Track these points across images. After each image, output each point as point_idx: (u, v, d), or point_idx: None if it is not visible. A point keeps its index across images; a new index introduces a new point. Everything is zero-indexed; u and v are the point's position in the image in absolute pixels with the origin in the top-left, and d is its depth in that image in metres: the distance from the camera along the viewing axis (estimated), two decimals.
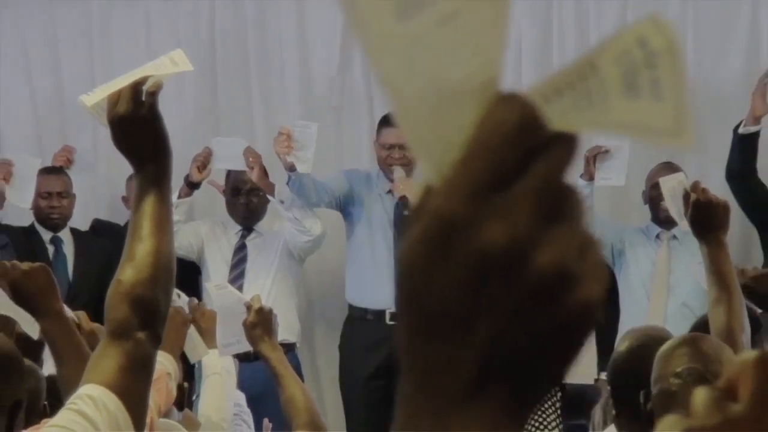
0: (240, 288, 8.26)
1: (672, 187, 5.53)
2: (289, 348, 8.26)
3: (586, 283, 0.94)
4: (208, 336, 5.17)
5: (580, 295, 0.93)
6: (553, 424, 4.18)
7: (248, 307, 5.03)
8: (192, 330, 4.86)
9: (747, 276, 5.73)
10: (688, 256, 8.01)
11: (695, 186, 4.75)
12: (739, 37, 8.98)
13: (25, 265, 4.37)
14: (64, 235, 8.48)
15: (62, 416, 3.20)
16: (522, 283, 0.93)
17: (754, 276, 5.78)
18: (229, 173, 8.47)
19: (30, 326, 4.28)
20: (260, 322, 4.99)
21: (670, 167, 8.22)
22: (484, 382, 0.93)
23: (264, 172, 8.25)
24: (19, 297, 4.30)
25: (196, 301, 5.56)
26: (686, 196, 4.71)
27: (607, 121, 0.96)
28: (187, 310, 5.87)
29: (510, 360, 0.93)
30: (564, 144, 0.95)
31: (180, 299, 5.94)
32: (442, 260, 0.93)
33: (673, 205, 5.44)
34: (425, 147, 0.96)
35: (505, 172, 0.93)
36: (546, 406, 4.06)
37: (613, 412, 4.35)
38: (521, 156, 0.93)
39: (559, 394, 4.32)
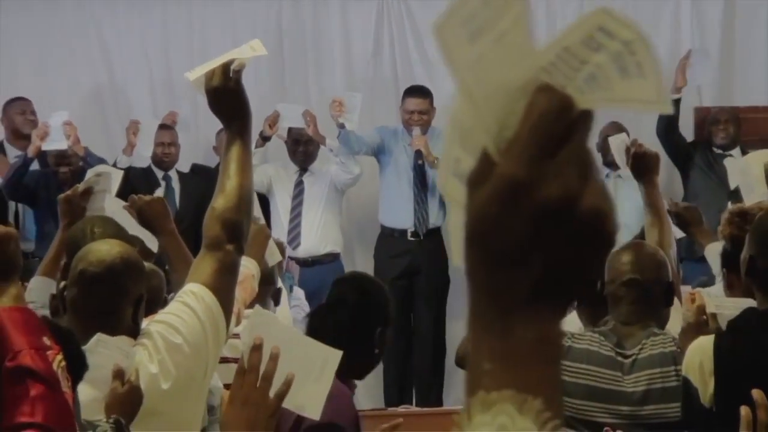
0: (299, 214, 8.33)
1: (617, 144, 5.53)
2: (335, 257, 8.30)
3: (613, 215, 0.97)
4: None
5: (611, 225, 0.97)
6: None
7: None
8: (270, 240, 4.84)
9: (680, 207, 5.74)
10: (629, 191, 8.00)
11: (633, 142, 4.76)
12: (665, 27, 8.93)
13: (147, 197, 4.38)
14: (172, 174, 8.50)
15: (172, 306, 3.22)
16: (573, 224, 0.95)
17: (685, 206, 5.80)
18: (290, 129, 8.48)
19: (152, 242, 4.29)
20: None
21: (615, 125, 8.22)
22: (540, 293, 0.96)
23: (317, 128, 8.32)
24: (143, 220, 4.31)
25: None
26: (627, 150, 4.72)
27: (613, 98, 0.98)
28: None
29: (560, 276, 0.96)
30: (588, 118, 0.97)
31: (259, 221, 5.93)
32: (509, 212, 0.95)
33: (619, 157, 5.43)
34: (488, 131, 0.97)
35: (553, 143, 0.95)
36: None
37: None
38: (562, 130, 0.95)
39: None
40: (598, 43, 0.96)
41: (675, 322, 3.91)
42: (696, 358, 3.32)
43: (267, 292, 4.79)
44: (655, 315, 3.77)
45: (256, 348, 2.56)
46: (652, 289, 3.74)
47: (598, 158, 8.67)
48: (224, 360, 3.99)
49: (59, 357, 2.17)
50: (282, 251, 5.77)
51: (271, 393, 2.56)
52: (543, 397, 0.94)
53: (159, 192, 7.67)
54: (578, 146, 0.96)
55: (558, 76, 0.97)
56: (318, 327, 3.78)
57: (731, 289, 3.92)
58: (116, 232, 4.00)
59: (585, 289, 0.98)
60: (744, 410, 2.27)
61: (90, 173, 5.06)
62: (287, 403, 2.63)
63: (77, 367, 2.59)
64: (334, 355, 3.07)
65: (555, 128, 0.95)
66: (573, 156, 0.95)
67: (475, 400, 0.94)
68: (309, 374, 3.03)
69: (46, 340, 2.17)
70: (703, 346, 3.32)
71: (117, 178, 5.13)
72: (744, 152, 8.32)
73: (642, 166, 4.57)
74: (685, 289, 4.96)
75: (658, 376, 3.57)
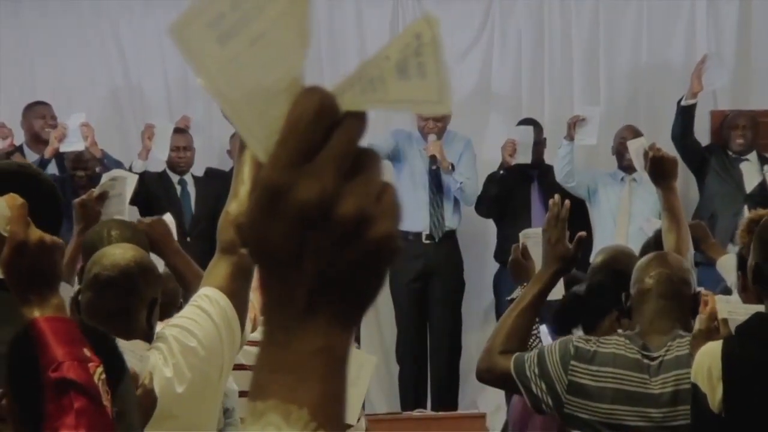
0: None
1: (636, 148, 5.51)
2: None
3: (382, 221, 0.93)
4: None
5: (377, 232, 0.93)
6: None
7: None
8: None
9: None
10: (644, 194, 8.02)
11: (652, 146, 4.72)
12: (680, 32, 8.92)
13: (148, 219, 4.36)
14: (188, 178, 8.50)
15: (186, 310, 3.22)
16: (332, 227, 0.92)
17: (690, 225, 5.76)
18: None
19: (157, 264, 4.28)
20: None
21: (631, 129, 8.24)
22: (316, 303, 0.93)
23: None
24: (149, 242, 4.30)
25: None
26: (645, 154, 4.67)
27: (385, 100, 0.95)
28: None
29: (333, 285, 0.93)
30: (354, 120, 0.94)
31: None
32: (271, 218, 0.93)
33: (637, 161, 5.41)
34: (254, 136, 0.95)
35: (312, 145, 0.93)
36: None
37: None
38: (322, 133, 0.93)
39: (538, 324, 4.32)
40: (407, 48, 0.95)
41: None
42: (704, 363, 3.30)
43: None
44: (680, 318, 3.76)
45: None
46: (678, 302, 3.74)
47: (612, 161, 8.67)
48: (241, 367, 3.99)
49: (99, 369, 2.17)
50: None
51: None
52: (310, 408, 0.92)
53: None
54: (340, 148, 0.93)
55: (349, 83, 0.95)
56: None
57: (745, 292, 3.93)
58: (133, 235, 4.01)
59: (368, 298, 0.95)
60: None
61: (105, 178, 5.06)
62: None
63: (117, 370, 2.61)
64: (369, 361, 3.05)
65: (312, 130, 0.93)
66: (332, 158, 0.92)
67: (247, 410, 0.93)
68: None
69: (87, 352, 2.17)
70: (711, 352, 3.31)
71: (132, 182, 5.13)
72: (760, 156, 8.31)
73: (660, 170, 4.52)
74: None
75: (686, 376, 3.56)
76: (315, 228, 0.92)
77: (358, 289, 0.94)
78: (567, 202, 4.02)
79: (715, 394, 3.26)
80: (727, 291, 5.20)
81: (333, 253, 0.92)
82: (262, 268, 0.94)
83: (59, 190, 8.13)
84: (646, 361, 3.64)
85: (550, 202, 4.04)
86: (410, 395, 8.28)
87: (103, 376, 2.16)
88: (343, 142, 0.93)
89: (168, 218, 4.78)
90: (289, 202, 0.92)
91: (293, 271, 0.93)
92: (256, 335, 4.24)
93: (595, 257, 4.53)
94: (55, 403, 2.09)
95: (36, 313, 2.16)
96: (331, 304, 0.93)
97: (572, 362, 3.68)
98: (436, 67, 0.95)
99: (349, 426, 4.29)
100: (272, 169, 0.93)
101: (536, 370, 3.70)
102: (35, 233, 2.20)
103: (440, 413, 7.74)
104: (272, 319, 0.95)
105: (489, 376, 3.86)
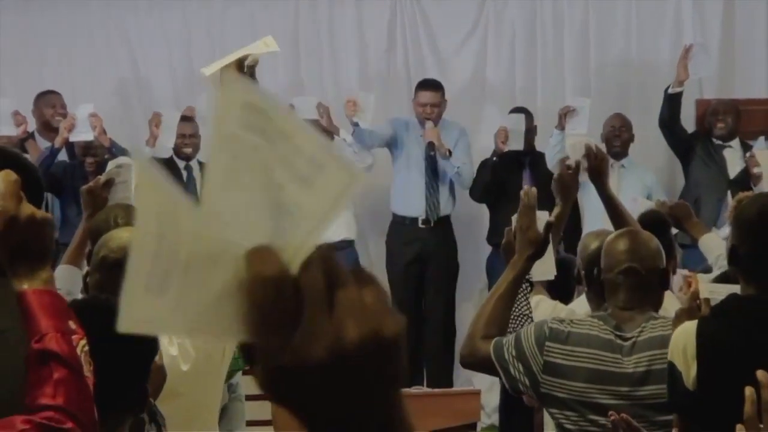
0: None
1: (573, 144, 5.49)
2: (348, 244, 8.32)
3: (381, 331, 0.89)
4: None
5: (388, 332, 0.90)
6: (525, 308, 4.20)
7: None
8: None
9: (666, 206, 5.75)
10: (632, 180, 8.07)
11: (597, 149, 4.91)
12: (668, 23, 8.94)
13: None
14: (193, 164, 8.53)
15: None
16: (355, 359, 0.88)
17: (671, 206, 5.80)
18: None
19: None
20: None
21: (619, 117, 8.31)
22: None
23: (330, 120, 8.34)
24: None
25: None
26: (590, 153, 4.83)
27: (321, 218, 0.86)
28: None
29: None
30: (316, 260, 0.88)
31: None
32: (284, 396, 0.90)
33: (573, 157, 5.38)
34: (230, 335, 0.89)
35: (288, 312, 0.88)
36: (519, 296, 4.08)
37: (585, 288, 4.43)
38: (290, 296, 0.87)
39: (529, 286, 4.34)
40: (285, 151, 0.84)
41: (669, 306, 3.95)
42: (680, 341, 3.32)
43: None
44: (651, 300, 3.79)
45: None
46: (648, 276, 3.76)
47: (603, 148, 8.72)
48: None
49: (83, 342, 2.19)
50: None
51: None
52: None
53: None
54: (315, 310, 0.86)
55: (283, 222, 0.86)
56: None
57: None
58: None
59: None
60: (749, 390, 2.26)
61: (111, 165, 5.06)
62: None
63: (150, 348, 2.66)
64: None
65: (281, 305, 0.86)
66: (319, 322, 0.86)
67: None
68: None
69: (72, 324, 2.19)
70: (687, 331, 3.33)
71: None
72: (743, 144, 8.34)
73: (600, 170, 4.79)
74: (682, 273, 4.98)
75: (659, 357, 3.58)
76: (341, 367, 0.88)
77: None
78: (533, 189, 4.10)
79: (689, 372, 3.28)
80: (708, 270, 5.23)
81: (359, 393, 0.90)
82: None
83: (70, 175, 8.12)
84: (618, 341, 3.67)
85: (521, 192, 4.11)
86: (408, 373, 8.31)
87: (86, 348, 2.18)
88: (317, 292, 0.87)
89: None
90: (309, 366, 0.86)
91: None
92: None
93: (589, 241, 4.55)
94: (37, 373, 2.12)
95: (25, 286, 2.18)
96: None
97: (547, 343, 3.70)
98: (324, 151, 0.85)
99: None
100: (268, 354, 0.87)
101: (513, 353, 3.73)
102: (27, 208, 2.21)
103: (436, 390, 7.76)
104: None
105: (472, 360, 3.87)
